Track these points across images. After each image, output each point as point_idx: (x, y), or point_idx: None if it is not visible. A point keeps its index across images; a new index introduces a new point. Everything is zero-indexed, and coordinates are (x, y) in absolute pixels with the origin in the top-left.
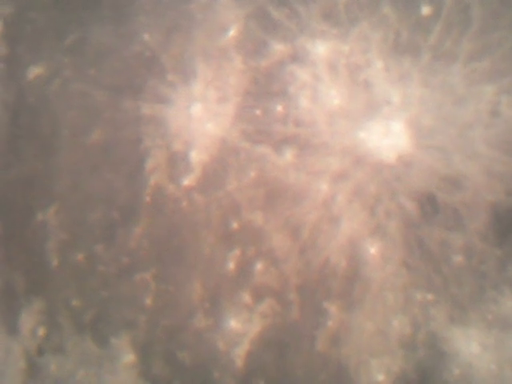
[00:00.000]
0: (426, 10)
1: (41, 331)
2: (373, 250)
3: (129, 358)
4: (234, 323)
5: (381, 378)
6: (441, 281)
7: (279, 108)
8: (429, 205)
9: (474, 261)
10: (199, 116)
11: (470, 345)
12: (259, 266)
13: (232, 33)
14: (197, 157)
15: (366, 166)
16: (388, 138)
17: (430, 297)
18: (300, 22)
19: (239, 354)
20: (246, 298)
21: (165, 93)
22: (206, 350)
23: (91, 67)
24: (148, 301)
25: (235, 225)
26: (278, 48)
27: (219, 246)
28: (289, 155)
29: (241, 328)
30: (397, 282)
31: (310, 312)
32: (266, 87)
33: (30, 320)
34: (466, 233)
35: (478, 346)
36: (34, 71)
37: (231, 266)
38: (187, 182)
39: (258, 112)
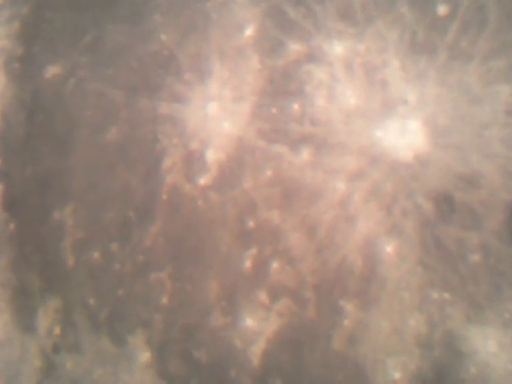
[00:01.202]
0: (442, 10)
1: (57, 330)
2: (389, 248)
3: (145, 356)
4: (250, 322)
5: (397, 376)
6: (457, 280)
7: (295, 107)
8: (445, 204)
9: (491, 260)
10: (216, 115)
11: (486, 344)
12: (276, 265)
13: (248, 32)
14: (213, 156)
15: (383, 165)
16: (404, 137)
17: (446, 296)
18: (316, 21)
19: (255, 353)
20: (263, 296)
21: (181, 92)
22: (222, 348)
23: (107, 66)
24: (164, 299)
25: (251, 223)
26: (295, 47)
27: (235, 244)
28: (305, 154)
29: (257, 327)
30: (413, 281)
31: (327, 311)
32: (282, 86)
33: (45, 318)
34: (483, 232)
35: (495, 345)
36: (51, 70)
37: (248, 264)
38: (203, 180)
39: (274, 111)
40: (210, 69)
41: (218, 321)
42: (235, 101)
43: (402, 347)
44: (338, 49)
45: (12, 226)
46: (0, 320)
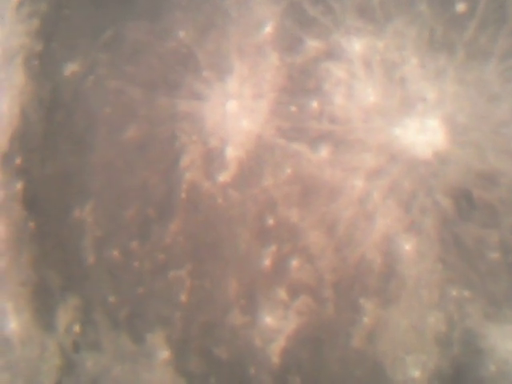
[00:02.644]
0: (460, 7)
1: (76, 328)
2: (408, 246)
3: (164, 354)
4: (269, 320)
5: (416, 374)
6: (476, 277)
7: (314, 105)
8: (464, 201)
9: (510, 257)
10: (235, 112)
11: (505, 341)
12: (295, 263)
13: (268, 29)
14: (232, 153)
15: (402, 162)
16: (423, 134)
17: (465, 293)
18: (335, 18)
19: (275, 351)
20: (282, 294)
21: (200, 89)
22: (241, 346)
23: (126, 64)
24: (183, 297)
25: (271, 221)
26: (313, 44)
27: (255, 242)
28: (324, 152)
29: (276, 324)
30: (432, 279)
31: (346, 308)
32: (301, 84)
33: (65, 316)
34: (502, 229)
35: None
36: (70, 68)
37: (267, 262)
38: (223, 178)
39: (293, 109)
40: (229, 66)
41: (238, 318)
42: (254, 98)
43: (421, 345)
44: (356, 46)
45: (32, 224)
46: (20, 318)
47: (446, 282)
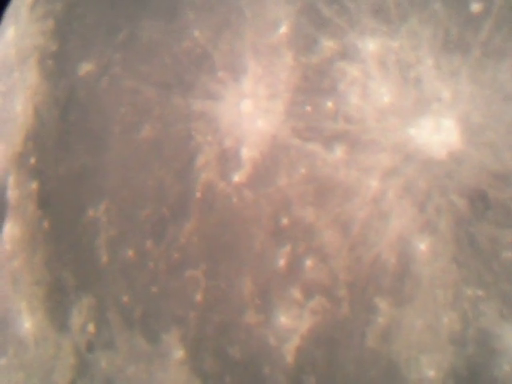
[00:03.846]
0: (475, 7)
1: (91, 327)
2: (423, 246)
3: (179, 354)
4: (284, 319)
5: (431, 373)
6: (491, 277)
7: (329, 104)
8: (479, 201)
9: None
10: (249, 112)
11: None
12: (309, 263)
13: (282, 29)
14: (247, 153)
15: (416, 162)
16: (438, 134)
17: (480, 293)
18: (350, 18)
19: (289, 350)
20: (297, 294)
21: (215, 89)
22: (256, 345)
23: (141, 63)
24: (198, 297)
25: (285, 221)
26: (328, 44)
27: (270, 242)
28: (339, 152)
29: (291, 324)
30: (447, 278)
31: (360, 308)
32: (316, 84)
33: (80, 316)
34: None
35: None
36: (85, 67)
37: (281, 262)
38: (238, 178)
39: (308, 108)
40: (243, 66)
41: (252, 318)
42: (269, 98)
43: (435, 345)
44: (371, 46)
45: (46, 223)
46: (34, 318)
47: (460, 281)
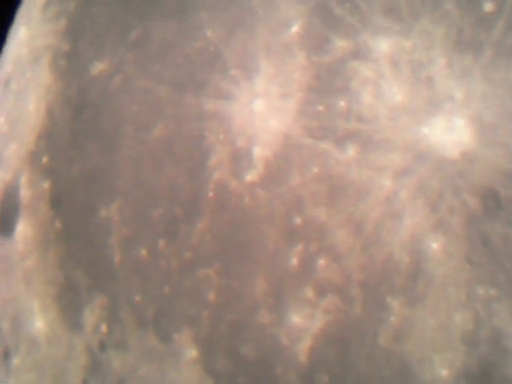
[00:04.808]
0: (488, 6)
1: (103, 327)
2: (435, 245)
3: (192, 353)
4: (296, 318)
5: (444, 373)
6: (504, 276)
7: (342, 104)
8: (491, 200)
9: None
10: (262, 112)
11: None
12: (322, 262)
13: (295, 29)
14: (260, 152)
15: (429, 161)
16: (450, 133)
17: (492, 292)
18: (362, 17)
19: (302, 350)
20: (309, 293)
21: (227, 89)
22: (269, 345)
23: (154, 63)
24: (211, 296)
25: (298, 220)
26: (341, 44)
27: (282, 241)
28: (351, 151)
29: (304, 323)
30: (459, 278)
31: (373, 307)
32: (328, 83)
33: (92, 316)
34: None
35: None
36: (97, 67)
37: (294, 261)
38: (250, 177)
39: (320, 108)
40: (256, 66)
41: (265, 317)
42: (282, 98)
43: (448, 344)
44: (383, 46)
45: (59, 223)
46: (46, 317)
47: (473, 280)
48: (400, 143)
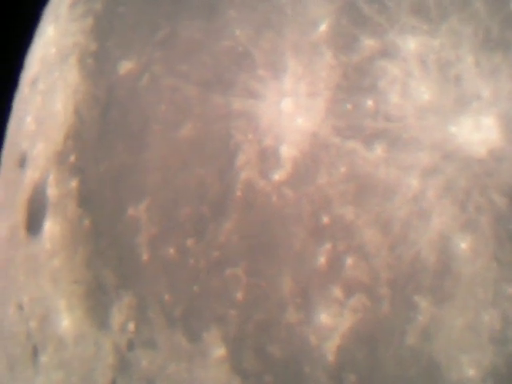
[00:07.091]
0: None
1: (131, 326)
2: (463, 244)
3: (219, 352)
4: (324, 317)
5: (471, 372)
6: None
7: (370, 103)
8: None
9: None
10: (290, 111)
11: None
12: (350, 261)
13: (323, 28)
14: (287, 152)
15: (456, 160)
16: (478, 132)
17: None
18: (390, 16)
19: (330, 349)
20: (337, 292)
21: (255, 88)
22: (296, 344)
23: (182, 62)
24: (239, 295)
25: (326, 219)
26: (369, 43)
27: (310, 240)
28: (379, 150)
29: (332, 322)
30: (487, 277)
31: (401, 306)
32: (356, 82)
33: (120, 314)
34: None
35: None
36: (125, 66)
37: (322, 260)
38: (278, 177)
39: (348, 107)
40: (284, 65)
41: (293, 316)
42: (309, 97)
43: (476, 343)
44: (411, 44)
45: (87, 222)
46: (73, 316)
47: (501, 279)
48: (427, 142)
